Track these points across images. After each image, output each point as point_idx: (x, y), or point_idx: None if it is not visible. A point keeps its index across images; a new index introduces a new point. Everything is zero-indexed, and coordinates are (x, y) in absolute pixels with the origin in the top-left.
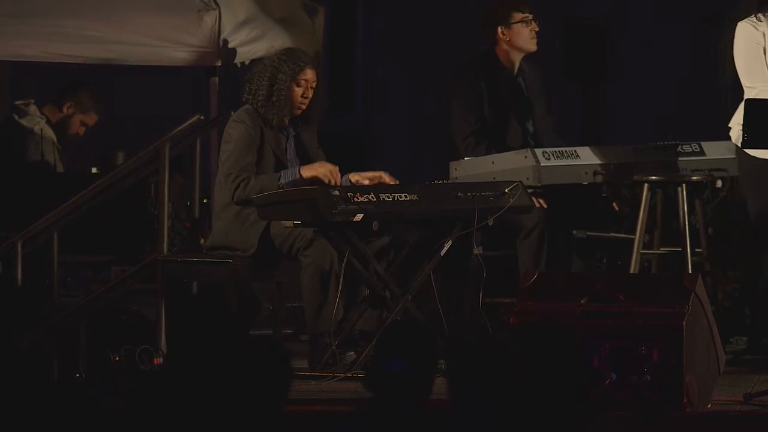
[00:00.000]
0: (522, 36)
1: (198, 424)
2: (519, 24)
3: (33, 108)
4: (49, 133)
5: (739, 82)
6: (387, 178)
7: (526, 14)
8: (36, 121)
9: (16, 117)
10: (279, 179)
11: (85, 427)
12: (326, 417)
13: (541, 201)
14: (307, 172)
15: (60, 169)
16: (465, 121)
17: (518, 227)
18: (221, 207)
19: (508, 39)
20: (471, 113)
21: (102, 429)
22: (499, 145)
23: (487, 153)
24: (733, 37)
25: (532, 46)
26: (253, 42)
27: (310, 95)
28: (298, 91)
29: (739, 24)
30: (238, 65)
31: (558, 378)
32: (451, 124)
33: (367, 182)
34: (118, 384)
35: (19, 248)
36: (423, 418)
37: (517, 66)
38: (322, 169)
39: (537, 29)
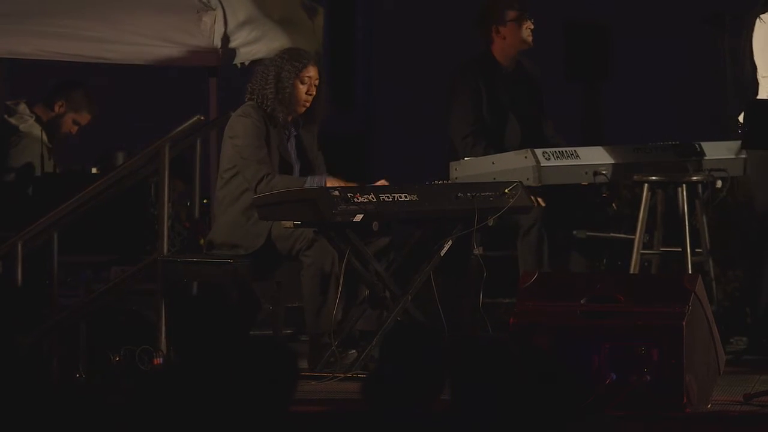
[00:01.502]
0: (517, 33)
1: (204, 424)
2: (513, 22)
3: (22, 107)
4: (36, 131)
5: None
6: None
7: (520, 11)
8: (24, 119)
9: (6, 116)
10: (305, 183)
11: (90, 427)
12: (326, 417)
13: (539, 200)
14: (332, 184)
15: (49, 168)
16: (463, 121)
17: (517, 226)
18: (227, 202)
19: (504, 37)
20: (469, 113)
21: (107, 429)
22: (497, 144)
23: (485, 153)
24: (752, 30)
25: (528, 41)
26: (254, 43)
27: (314, 92)
28: (303, 88)
29: (761, 17)
30: (239, 66)
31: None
32: (450, 124)
33: None
34: (118, 384)
35: (19, 248)
36: (423, 419)
37: (514, 64)
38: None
39: (532, 26)
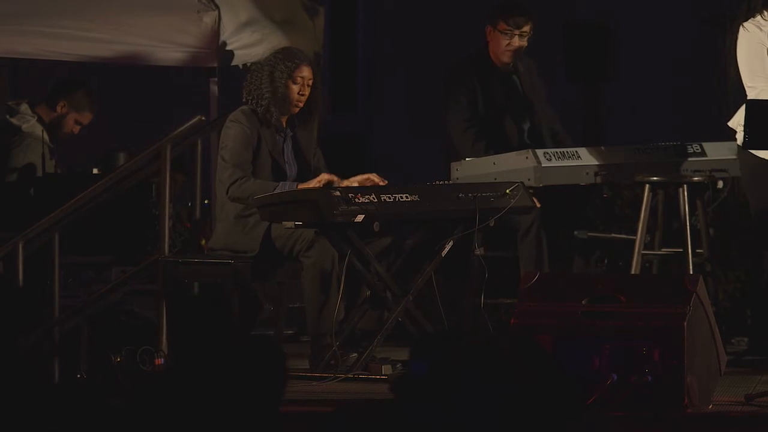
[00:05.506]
0: (499, 45)
1: (198, 424)
2: (500, 33)
3: (24, 107)
4: (38, 131)
5: (742, 82)
6: (376, 179)
7: (510, 27)
8: (26, 119)
9: (8, 116)
10: (275, 189)
11: (90, 427)
12: (327, 417)
13: (535, 200)
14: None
15: (50, 168)
16: (461, 118)
17: (515, 227)
18: (221, 208)
19: (490, 41)
20: (467, 110)
21: (105, 429)
22: (496, 142)
23: (487, 151)
24: (737, 38)
25: (504, 58)
26: (255, 45)
27: (307, 93)
28: (295, 88)
29: (743, 24)
30: (240, 67)
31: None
32: (448, 123)
33: (356, 185)
34: (119, 385)
35: (21, 249)
36: (429, 419)
37: (510, 64)
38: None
39: (517, 45)
